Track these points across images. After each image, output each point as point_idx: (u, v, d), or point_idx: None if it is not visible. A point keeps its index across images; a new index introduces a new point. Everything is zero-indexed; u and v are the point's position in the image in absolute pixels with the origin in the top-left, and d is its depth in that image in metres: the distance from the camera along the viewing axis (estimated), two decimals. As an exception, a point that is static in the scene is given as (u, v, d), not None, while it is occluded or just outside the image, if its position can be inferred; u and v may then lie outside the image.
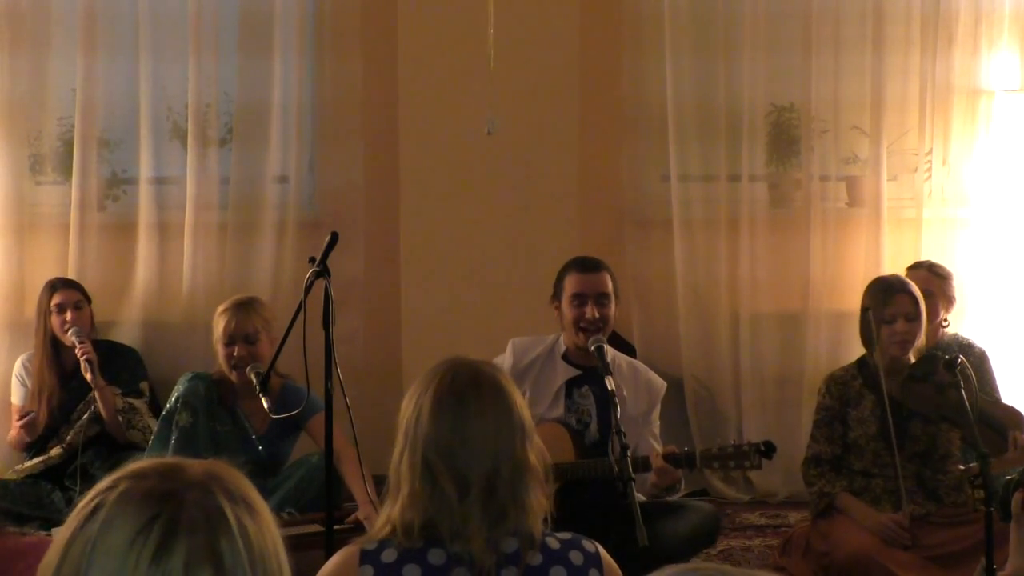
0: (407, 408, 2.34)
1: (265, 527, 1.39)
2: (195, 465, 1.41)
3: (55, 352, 5.20)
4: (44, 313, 5.21)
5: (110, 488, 1.37)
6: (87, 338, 5.08)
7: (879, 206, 5.88)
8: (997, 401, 4.82)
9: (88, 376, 5.00)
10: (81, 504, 1.38)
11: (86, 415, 5.09)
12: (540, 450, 2.35)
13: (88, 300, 5.28)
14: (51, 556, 1.35)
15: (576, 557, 2.31)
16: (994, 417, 4.43)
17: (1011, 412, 4.60)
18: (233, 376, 4.56)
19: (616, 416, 3.85)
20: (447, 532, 2.25)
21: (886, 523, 4.30)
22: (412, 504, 2.27)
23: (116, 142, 5.84)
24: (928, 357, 4.49)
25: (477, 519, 2.24)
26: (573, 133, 5.84)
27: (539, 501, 2.31)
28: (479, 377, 2.34)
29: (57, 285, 5.26)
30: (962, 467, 4.39)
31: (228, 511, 1.36)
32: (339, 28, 5.78)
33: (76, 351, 5.03)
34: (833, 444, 4.52)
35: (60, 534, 1.37)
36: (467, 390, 2.31)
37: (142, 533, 1.32)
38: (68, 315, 5.15)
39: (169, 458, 1.43)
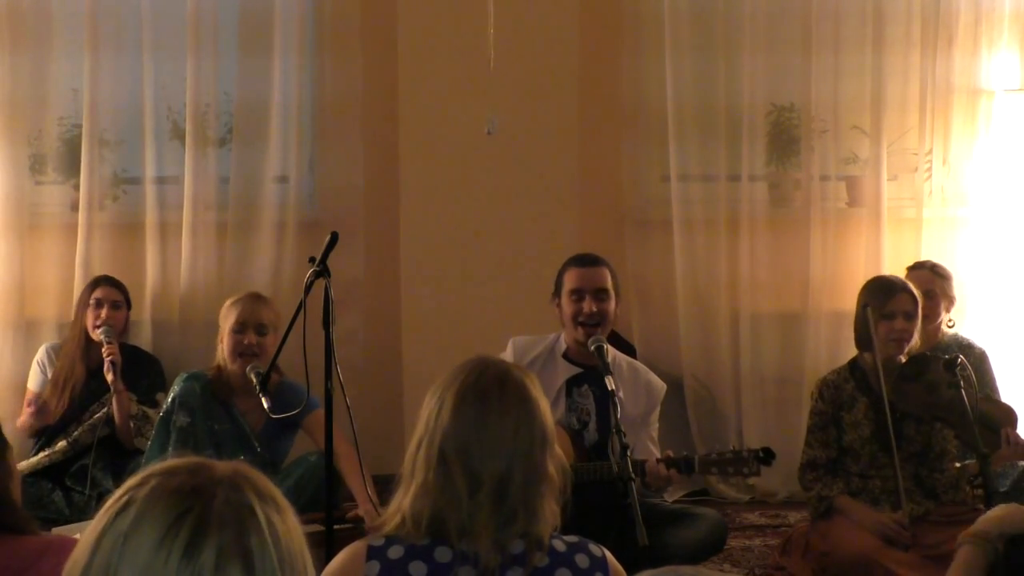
0: (430, 401, 2.34)
1: (292, 525, 1.39)
2: (222, 463, 1.42)
3: (87, 346, 5.20)
4: (83, 306, 5.23)
5: (140, 484, 1.37)
6: (115, 339, 5.09)
7: (879, 206, 5.88)
8: (991, 398, 4.82)
9: (109, 377, 5.01)
10: (111, 500, 1.38)
11: (99, 415, 5.10)
12: (560, 461, 2.34)
13: (128, 303, 5.29)
14: (80, 552, 1.35)
15: (582, 560, 2.31)
16: (987, 414, 4.44)
17: (1005, 409, 4.61)
18: (236, 366, 4.54)
19: (616, 415, 3.86)
20: (454, 528, 2.25)
21: (886, 523, 4.30)
22: (423, 494, 2.27)
23: (116, 142, 5.84)
24: (918, 357, 4.49)
25: (484, 518, 2.23)
26: (573, 133, 5.84)
27: (551, 510, 2.30)
28: (506, 378, 2.33)
29: (100, 281, 5.29)
30: (958, 464, 4.39)
31: (257, 508, 1.36)
32: (339, 28, 5.78)
33: (103, 350, 5.05)
34: (828, 448, 4.53)
35: (89, 530, 1.37)
36: (491, 389, 2.30)
37: (173, 528, 1.32)
38: (103, 312, 5.16)
39: (196, 457, 1.43)
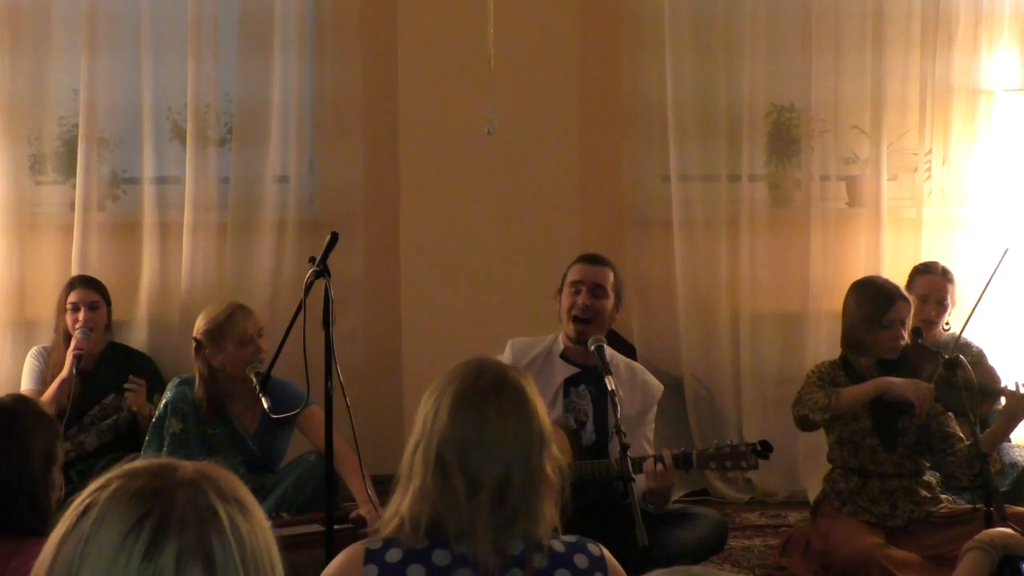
0: (427, 402, 2.32)
1: (257, 526, 1.39)
2: (187, 465, 1.42)
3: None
4: (61, 310, 5.20)
5: (102, 487, 1.38)
6: (88, 340, 5.06)
7: (879, 206, 5.88)
8: (978, 366, 4.86)
9: (67, 364, 4.98)
10: (74, 503, 1.38)
11: (107, 421, 5.10)
12: (557, 461, 2.33)
13: (107, 302, 5.24)
14: (44, 555, 1.36)
15: (581, 561, 2.30)
16: (984, 388, 4.50)
17: (991, 373, 4.70)
18: (244, 374, 4.51)
19: (616, 416, 3.86)
20: (453, 530, 2.24)
21: (922, 385, 4.30)
22: (422, 498, 2.26)
23: (116, 142, 5.84)
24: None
25: (484, 520, 2.23)
26: (573, 133, 5.85)
27: (550, 512, 2.29)
28: (504, 380, 2.32)
29: (76, 283, 5.24)
30: (967, 444, 4.39)
31: (220, 509, 1.36)
32: (339, 28, 5.78)
33: (71, 344, 5.03)
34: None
35: (54, 533, 1.37)
36: (490, 391, 2.29)
37: (133, 530, 1.33)
38: (81, 315, 5.12)
39: (162, 458, 1.43)
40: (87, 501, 1.37)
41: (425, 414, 2.31)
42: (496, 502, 2.23)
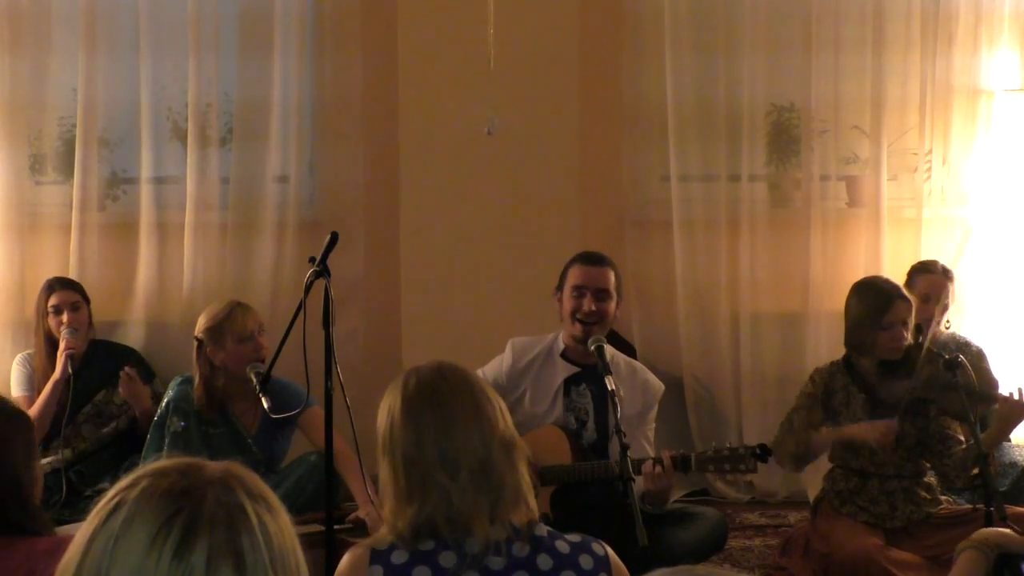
0: (381, 426, 2.34)
1: (283, 524, 1.40)
2: (214, 464, 1.42)
3: (54, 352, 5.16)
4: (42, 314, 5.18)
5: (131, 486, 1.38)
6: (76, 339, 5.05)
7: (879, 206, 5.88)
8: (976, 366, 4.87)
9: (59, 365, 4.97)
10: (102, 502, 1.38)
11: (109, 428, 5.10)
12: (512, 426, 2.37)
13: (87, 301, 5.24)
14: (72, 553, 1.36)
15: (586, 561, 2.30)
16: (985, 394, 4.51)
17: (990, 381, 4.72)
18: (244, 373, 4.51)
19: (617, 416, 3.86)
20: (446, 524, 2.23)
21: (879, 427, 4.31)
22: (408, 503, 2.26)
23: (116, 142, 5.84)
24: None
25: (472, 500, 2.23)
26: (573, 133, 5.84)
27: (527, 475, 2.31)
28: (442, 368, 2.36)
29: (55, 286, 5.22)
30: (964, 447, 4.39)
31: (248, 508, 1.37)
32: (339, 28, 5.78)
33: (60, 345, 5.02)
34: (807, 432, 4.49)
35: (81, 531, 1.37)
36: (436, 384, 2.33)
37: (163, 529, 1.33)
38: (64, 317, 5.11)
39: (188, 458, 1.43)
40: (116, 500, 1.36)
41: (383, 439, 2.33)
42: (481, 478, 2.24)
